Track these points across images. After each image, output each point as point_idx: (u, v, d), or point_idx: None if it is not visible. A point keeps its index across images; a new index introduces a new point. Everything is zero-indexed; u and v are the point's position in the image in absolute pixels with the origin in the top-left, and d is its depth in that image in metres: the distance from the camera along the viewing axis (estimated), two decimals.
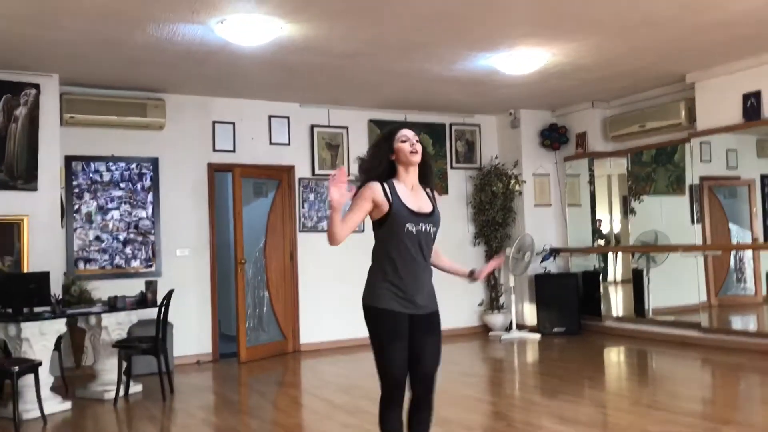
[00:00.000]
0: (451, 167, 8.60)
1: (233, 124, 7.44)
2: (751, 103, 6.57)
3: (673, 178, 9.45)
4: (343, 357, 7.19)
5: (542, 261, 8.31)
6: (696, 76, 7.00)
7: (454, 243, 8.54)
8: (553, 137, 8.48)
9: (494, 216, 8.35)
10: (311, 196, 7.82)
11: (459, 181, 8.65)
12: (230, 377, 6.48)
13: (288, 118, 7.73)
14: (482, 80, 6.96)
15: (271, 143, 7.65)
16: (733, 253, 8.70)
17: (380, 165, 3.02)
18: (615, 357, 7.14)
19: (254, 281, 7.34)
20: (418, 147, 3.02)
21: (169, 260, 7.04)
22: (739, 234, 8.91)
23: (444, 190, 8.51)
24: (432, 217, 3.05)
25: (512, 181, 8.39)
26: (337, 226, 2.94)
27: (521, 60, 6.11)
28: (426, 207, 3.04)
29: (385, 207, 2.95)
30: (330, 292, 7.79)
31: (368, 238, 8.54)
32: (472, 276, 3.25)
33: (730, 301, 8.61)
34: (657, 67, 6.82)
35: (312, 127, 7.86)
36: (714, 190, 8.18)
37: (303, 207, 7.77)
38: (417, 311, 3.00)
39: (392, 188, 2.99)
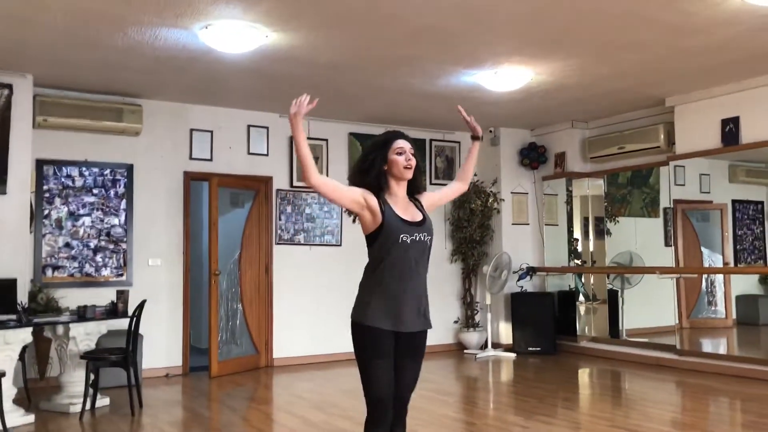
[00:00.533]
0: (431, 183, 8.55)
1: (211, 132, 7.31)
2: (729, 128, 6.65)
3: (648, 201, 9.55)
4: (318, 373, 7.06)
5: (519, 280, 8.29)
6: (676, 99, 7.07)
7: (431, 259, 8.48)
8: (532, 156, 8.50)
9: (472, 233, 8.32)
10: (288, 208, 7.70)
11: None
12: (201, 392, 6.30)
13: (267, 128, 7.63)
14: (465, 97, 6.93)
15: (249, 153, 7.53)
16: (704, 276, 8.80)
17: (372, 171, 2.92)
18: (590, 378, 7.11)
19: (228, 293, 7.19)
20: (413, 162, 2.96)
21: (141, 270, 6.86)
22: (710, 257, 9.02)
23: None
24: (425, 225, 2.96)
25: (491, 199, 8.37)
26: (310, 165, 2.85)
27: (505, 77, 6.11)
28: (417, 216, 2.96)
29: (378, 218, 2.84)
30: (305, 307, 7.67)
31: (346, 252, 8.46)
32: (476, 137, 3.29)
33: (701, 323, 8.68)
34: (637, 90, 6.88)
35: (291, 138, 7.74)
36: (687, 213, 8.26)
37: (280, 219, 7.65)
38: (407, 329, 2.90)
39: (383, 200, 2.90)
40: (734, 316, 9.35)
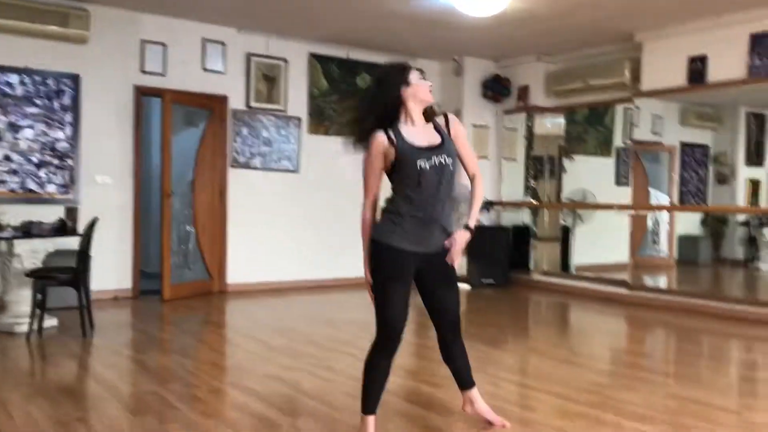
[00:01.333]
0: None
1: (164, 45, 6.85)
2: (696, 66, 6.64)
3: (602, 140, 9.63)
4: (274, 299, 6.93)
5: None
6: (644, 35, 7.00)
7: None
8: (495, 88, 8.36)
9: None
10: (245, 130, 7.38)
11: None
12: (154, 315, 6.09)
13: (224, 44, 7.21)
14: (435, 20, 6.69)
15: (204, 69, 7.12)
16: (650, 216, 9.01)
17: (391, 102, 2.82)
18: (541, 309, 7.21)
19: (180, 216, 6.90)
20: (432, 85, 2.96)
21: (89, 188, 6.48)
22: (657, 198, 9.22)
23: None
24: (443, 147, 2.85)
25: None
26: (368, 212, 2.92)
27: (482, 1, 5.87)
28: (435, 139, 2.86)
29: (392, 153, 2.77)
30: (260, 233, 7.46)
31: (303, 179, 8.23)
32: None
33: (646, 261, 8.92)
34: (608, 23, 6.75)
35: (249, 56, 7.37)
36: (639, 154, 8.34)
37: (236, 141, 7.33)
38: (428, 249, 2.85)
39: (396, 131, 2.80)
40: (676, 255, 9.66)
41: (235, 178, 7.34)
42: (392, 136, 2.79)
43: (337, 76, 7.94)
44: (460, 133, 2.96)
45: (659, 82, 6.94)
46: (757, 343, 5.33)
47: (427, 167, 2.78)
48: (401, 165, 2.78)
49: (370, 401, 2.91)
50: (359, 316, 6.18)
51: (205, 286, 7.11)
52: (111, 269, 6.57)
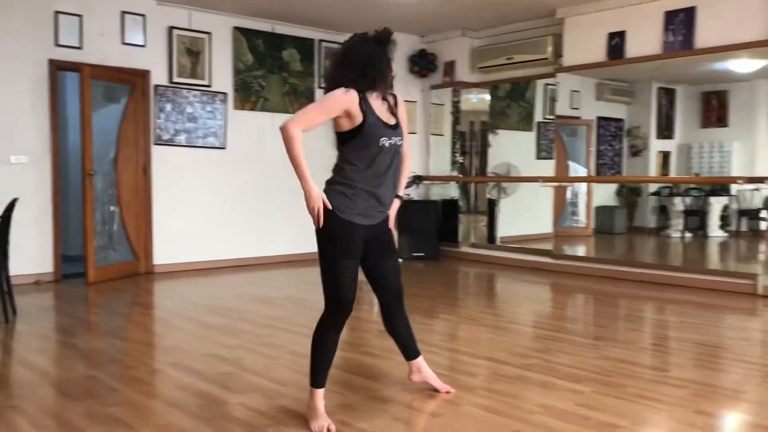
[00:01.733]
0: (319, 87, 8.26)
1: (80, 16, 6.54)
2: (615, 42, 6.89)
3: (524, 115, 9.88)
4: (203, 279, 6.80)
5: (406, 187, 8.32)
6: (566, 11, 7.19)
7: (319, 166, 8.30)
8: (422, 63, 8.42)
9: None
10: (168, 106, 7.15)
11: None
12: (79, 298, 5.87)
13: (144, 16, 6.94)
14: None
15: (123, 43, 6.84)
16: (569, 188, 9.34)
17: (374, 73, 2.75)
18: (470, 280, 7.39)
19: (103, 196, 6.66)
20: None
21: (3, 168, 6.15)
22: (576, 170, 9.57)
23: None
24: (398, 128, 2.88)
25: None
26: (300, 134, 2.77)
27: None
28: (392, 119, 2.87)
29: (358, 119, 2.72)
30: (187, 211, 7.30)
31: (230, 155, 8.07)
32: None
33: (566, 232, 9.24)
34: (531, 0, 6.91)
35: (171, 29, 7.13)
36: (559, 128, 8.61)
37: (159, 117, 7.10)
38: (374, 222, 2.90)
39: (365, 101, 2.76)
40: (593, 225, 10.07)
41: (160, 155, 7.13)
42: (362, 103, 2.74)
43: (263, 51, 7.79)
44: (405, 115, 2.98)
45: (580, 57, 7.18)
46: (671, 305, 5.65)
47: (386, 146, 2.80)
48: (364, 138, 2.75)
49: (320, 375, 2.93)
50: (292, 293, 6.17)
51: (132, 267, 6.91)
52: (31, 252, 6.30)
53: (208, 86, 7.41)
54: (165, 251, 7.15)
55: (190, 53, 7.28)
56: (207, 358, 3.90)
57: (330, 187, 2.87)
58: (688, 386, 3.41)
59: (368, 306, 5.98)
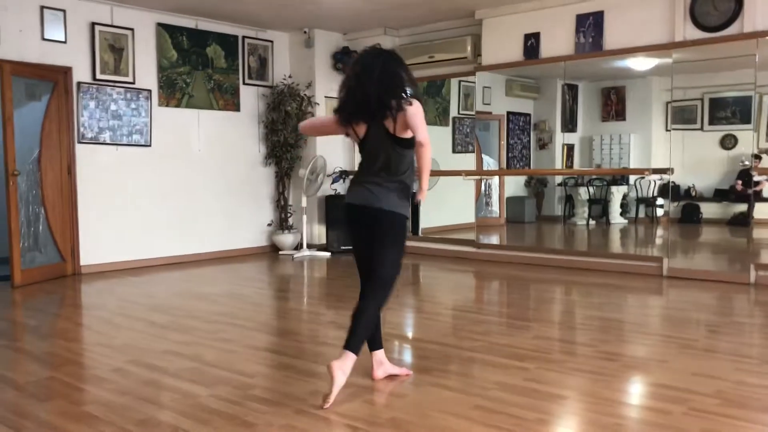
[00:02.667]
0: (243, 83, 8.29)
1: None
2: (531, 43, 7.33)
3: (441, 111, 10.26)
4: (135, 279, 6.73)
5: (333, 183, 8.51)
6: (484, 13, 7.57)
7: (244, 162, 8.36)
8: (345, 60, 8.58)
9: (287, 137, 8.30)
10: (92, 104, 7.01)
11: (251, 98, 8.39)
12: (8, 302, 5.70)
13: (64, 11, 6.75)
14: None
15: (43, 39, 6.64)
16: (483, 180, 9.81)
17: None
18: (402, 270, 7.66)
19: (27, 196, 6.46)
20: None
21: None
22: (489, 163, 10.06)
23: (236, 107, 8.22)
24: None
25: (305, 102, 8.37)
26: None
27: None
28: None
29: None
30: (113, 210, 7.19)
31: (156, 153, 8.01)
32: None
33: (481, 222, 9.71)
34: (452, 1, 7.21)
35: (93, 24, 6.98)
36: (472, 123, 9.03)
37: (82, 115, 6.94)
38: None
39: None
40: (505, 215, 10.61)
41: (84, 154, 6.98)
42: None
43: (187, 47, 7.74)
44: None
45: (498, 57, 7.57)
46: (589, 288, 6.13)
47: None
48: (412, 144, 3.15)
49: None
50: (229, 289, 6.24)
51: (58, 268, 6.75)
52: None
53: (132, 83, 7.30)
54: (92, 252, 7.02)
55: (113, 49, 7.15)
56: (165, 354, 3.96)
57: (402, 193, 3.25)
58: (618, 359, 3.81)
59: (315, 300, 6.15)
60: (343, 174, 8.65)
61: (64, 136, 6.80)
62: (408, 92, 3.13)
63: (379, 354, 3.47)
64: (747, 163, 8.50)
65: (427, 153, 3.09)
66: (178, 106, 7.71)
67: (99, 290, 6.22)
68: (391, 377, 3.47)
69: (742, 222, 8.20)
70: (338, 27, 8.48)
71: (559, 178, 10.69)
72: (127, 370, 3.68)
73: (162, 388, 3.37)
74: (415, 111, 3.09)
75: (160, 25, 7.51)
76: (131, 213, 7.33)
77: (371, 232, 3.24)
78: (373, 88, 3.10)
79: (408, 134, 3.13)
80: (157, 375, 3.57)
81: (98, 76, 7.02)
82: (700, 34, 6.24)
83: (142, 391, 3.34)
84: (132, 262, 7.30)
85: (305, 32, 8.47)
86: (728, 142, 9.89)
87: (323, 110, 8.62)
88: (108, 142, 7.15)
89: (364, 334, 3.19)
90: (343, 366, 3.04)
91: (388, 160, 3.18)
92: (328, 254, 8.22)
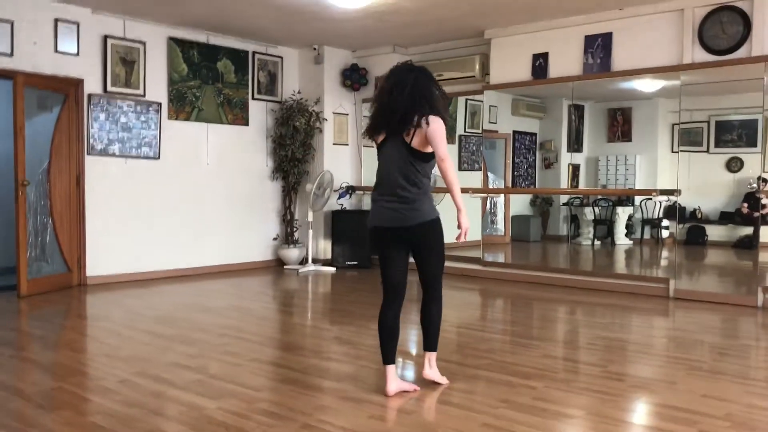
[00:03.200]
0: (253, 98, 8.35)
1: (11, 23, 6.37)
2: (539, 62, 7.37)
3: (447, 128, 10.28)
4: (141, 291, 6.74)
5: (339, 198, 8.54)
6: (493, 33, 7.62)
7: (252, 176, 8.40)
8: (353, 78, 8.65)
9: (294, 151, 8.33)
10: (102, 116, 7.05)
11: (260, 113, 8.44)
12: (15, 312, 5.70)
13: (78, 24, 6.82)
14: (299, 10, 6.81)
15: (56, 51, 6.70)
16: (489, 198, 9.82)
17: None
18: (407, 287, 7.65)
19: (36, 206, 6.49)
20: None
21: None
22: (494, 182, 10.08)
23: (245, 122, 8.27)
24: None
25: (313, 118, 8.41)
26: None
27: None
28: None
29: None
30: (121, 222, 7.21)
31: (164, 165, 8.04)
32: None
33: (486, 240, 9.72)
34: (461, 20, 7.25)
35: (105, 38, 7.05)
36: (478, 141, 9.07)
37: (92, 127, 6.99)
38: None
39: None
40: (511, 233, 10.60)
41: (93, 165, 7.02)
42: None
43: (197, 61, 7.80)
44: None
45: (506, 76, 7.61)
46: (596, 308, 6.11)
47: None
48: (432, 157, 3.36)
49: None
50: (234, 302, 6.24)
51: (64, 279, 6.76)
52: None
53: (143, 96, 7.36)
54: (98, 263, 7.04)
55: (125, 62, 7.21)
56: (171, 367, 3.96)
57: (425, 197, 3.39)
58: (626, 379, 3.79)
59: (320, 315, 6.15)
60: (350, 189, 8.68)
61: (73, 148, 6.85)
62: (436, 109, 3.34)
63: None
64: (754, 185, 8.51)
65: (449, 168, 3.26)
66: (187, 119, 7.76)
67: (105, 301, 6.23)
68: (402, 393, 3.47)
69: (748, 245, 8.18)
70: (347, 44, 8.55)
71: (564, 198, 10.68)
72: (134, 381, 3.68)
73: (169, 399, 3.37)
74: (436, 128, 3.25)
75: (171, 39, 7.58)
76: (138, 225, 7.35)
77: (411, 247, 3.47)
78: (402, 104, 3.27)
79: (428, 149, 3.30)
80: (164, 387, 3.56)
81: (109, 88, 7.08)
82: (708, 57, 6.28)
83: (149, 402, 3.33)
84: (138, 274, 7.31)
85: (315, 49, 8.53)
86: (734, 165, 9.89)
87: (331, 126, 8.67)
88: (117, 154, 7.19)
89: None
90: (432, 363, 3.60)
91: (405, 171, 3.30)
92: (333, 269, 8.22)
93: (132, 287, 6.90)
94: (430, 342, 3.58)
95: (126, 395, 3.43)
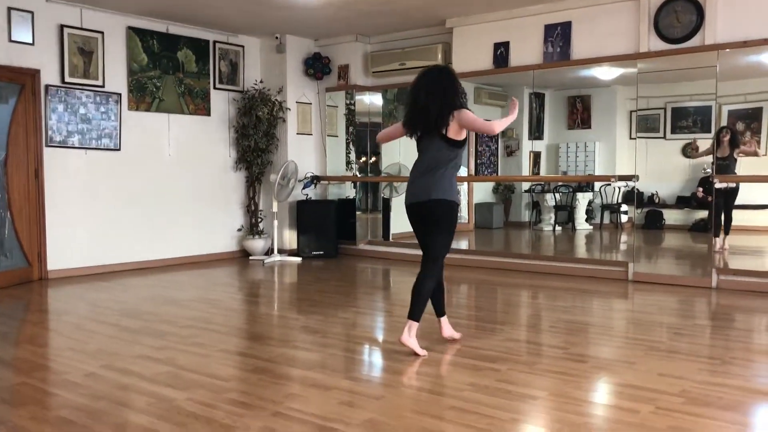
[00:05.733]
0: (214, 88, 8.28)
1: None
2: (500, 51, 7.46)
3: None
4: (104, 284, 6.66)
5: (304, 188, 8.54)
6: (455, 21, 7.68)
7: (215, 167, 8.34)
8: (316, 67, 8.63)
9: (258, 141, 8.30)
10: (60, 107, 6.93)
11: (222, 102, 8.38)
12: None
13: (32, 13, 6.67)
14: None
15: (10, 41, 6.55)
16: None
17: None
18: (365, 275, 7.69)
19: None
20: None
21: None
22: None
23: (206, 112, 8.20)
24: None
25: (276, 108, 8.38)
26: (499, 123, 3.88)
27: None
28: None
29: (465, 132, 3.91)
30: (81, 215, 7.12)
31: (125, 157, 7.92)
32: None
33: None
34: (423, 9, 7.29)
35: (62, 27, 6.91)
36: None
37: (50, 119, 6.86)
38: None
39: None
40: (474, 220, 10.74)
41: (52, 157, 6.90)
42: None
43: (157, 51, 7.70)
44: None
45: (469, 65, 7.68)
46: (557, 292, 6.25)
47: None
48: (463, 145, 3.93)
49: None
50: (200, 294, 6.21)
51: (24, 273, 6.65)
52: None
53: (102, 86, 7.24)
54: (59, 257, 6.93)
55: (83, 53, 7.09)
56: (139, 359, 3.94)
57: (451, 184, 3.90)
58: (587, 360, 3.91)
59: (287, 305, 6.16)
60: (314, 179, 8.68)
61: (31, 140, 6.72)
62: (461, 102, 3.87)
63: (443, 320, 4.32)
64: (708, 170, 8.75)
65: (496, 128, 3.82)
66: (148, 110, 7.66)
67: (68, 295, 6.15)
68: (369, 377, 3.52)
69: (703, 228, 8.43)
70: (310, 33, 8.52)
71: (526, 185, 10.84)
72: (101, 375, 3.66)
73: (137, 392, 3.37)
74: (466, 115, 3.82)
75: (130, 28, 7.46)
76: (100, 217, 7.26)
77: (426, 221, 3.94)
78: (437, 106, 3.81)
79: (460, 136, 3.87)
80: (132, 379, 3.56)
81: (67, 79, 6.95)
82: (663, 46, 6.43)
83: (117, 395, 3.33)
84: (101, 267, 7.23)
85: (277, 38, 8.49)
86: (690, 151, 10.15)
87: (295, 116, 8.65)
88: (77, 145, 7.08)
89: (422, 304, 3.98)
90: (411, 332, 3.91)
91: (440, 157, 3.86)
92: (299, 259, 8.23)
93: (95, 281, 6.82)
94: (412, 308, 3.99)
95: (93, 389, 3.42)
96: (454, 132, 3.85)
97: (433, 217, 3.92)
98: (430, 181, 3.87)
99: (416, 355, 3.92)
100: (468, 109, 3.89)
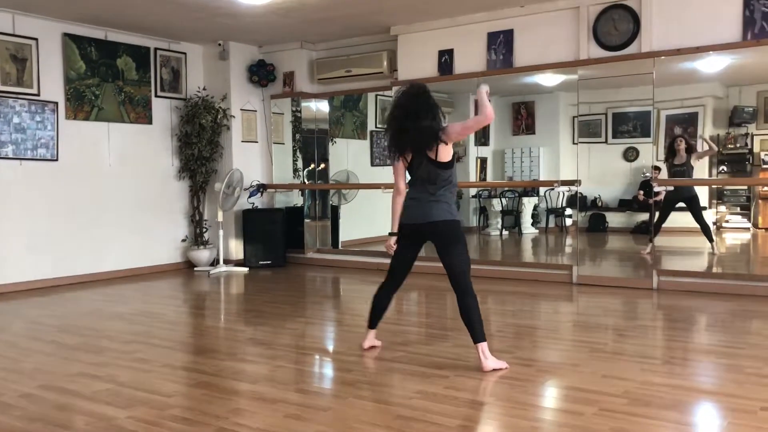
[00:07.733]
0: (156, 95, 8.10)
1: None
2: (445, 59, 7.51)
3: (358, 124, 10.36)
4: (43, 299, 6.44)
5: (250, 196, 8.42)
6: (399, 29, 7.71)
7: (157, 176, 8.16)
8: (261, 74, 8.54)
9: (201, 150, 8.15)
10: None
11: (164, 111, 8.20)
12: None
13: None
14: (201, 4, 6.64)
15: None
16: None
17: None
18: (319, 284, 7.66)
19: None
20: None
21: None
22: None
23: (148, 120, 8.02)
24: None
25: (220, 115, 8.25)
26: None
27: None
28: None
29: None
30: (17, 228, 6.86)
31: (63, 168, 7.71)
32: None
33: None
34: (367, 17, 7.29)
35: None
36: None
37: None
38: None
39: None
40: None
41: None
42: None
43: (95, 58, 7.50)
44: None
45: (414, 72, 7.69)
46: (502, 296, 6.32)
47: None
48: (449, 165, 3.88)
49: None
50: (142, 308, 6.06)
51: None
52: None
53: (37, 95, 7.01)
54: None
55: (16, 60, 6.85)
56: (77, 377, 3.81)
57: (451, 204, 3.90)
58: (533, 364, 3.95)
59: (233, 316, 6.06)
60: (261, 187, 8.58)
61: None
62: (440, 119, 3.83)
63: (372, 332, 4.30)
64: (648, 174, 9.01)
65: (481, 122, 3.87)
66: (86, 119, 7.45)
67: (2, 312, 5.91)
68: (317, 389, 3.46)
69: (645, 230, 8.65)
70: (253, 40, 8.43)
71: (473, 190, 10.95)
72: (37, 395, 3.52)
73: (76, 412, 3.25)
74: (452, 129, 3.82)
75: (66, 35, 7.25)
76: (38, 230, 7.01)
77: (436, 242, 3.94)
78: (423, 130, 3.75)
79: (448, 157, 3.82)
80: (70, 399, 3.43)
81: (0, 87, 6.70)
82: (602, 53, 6.59)
83: (55, 416, 3.20)
84: (39, 282, 6.98)
85: (220, 44, 8.37)
86: (630, 155, 10.44)
87: (239, 123, 8.53)
88: (11, 156, 6.83)
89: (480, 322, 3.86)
90: (486, 354, 3.80)
91: (435, 179, 3.83)
92: (245, 270, 8.11)
93: (31, 296, 6.58)
94: (473, 333, 3.84)
95: (28, 410, 3.28)
96: (443, 154, 3.80)
97: (444, 237, 3.91)
98: (430, 203, 3.85)
99: (501, 369, 3.79)
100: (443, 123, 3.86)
